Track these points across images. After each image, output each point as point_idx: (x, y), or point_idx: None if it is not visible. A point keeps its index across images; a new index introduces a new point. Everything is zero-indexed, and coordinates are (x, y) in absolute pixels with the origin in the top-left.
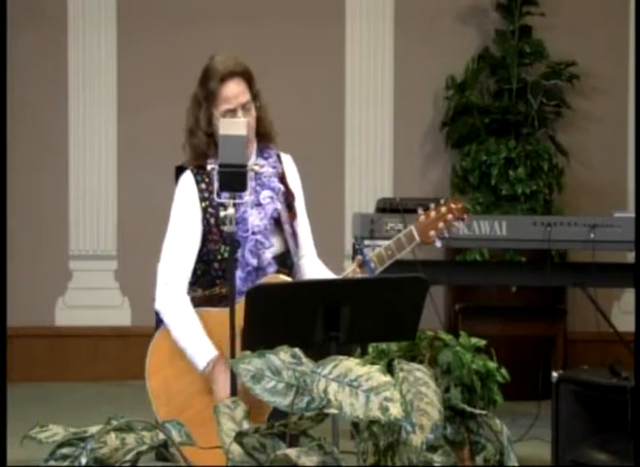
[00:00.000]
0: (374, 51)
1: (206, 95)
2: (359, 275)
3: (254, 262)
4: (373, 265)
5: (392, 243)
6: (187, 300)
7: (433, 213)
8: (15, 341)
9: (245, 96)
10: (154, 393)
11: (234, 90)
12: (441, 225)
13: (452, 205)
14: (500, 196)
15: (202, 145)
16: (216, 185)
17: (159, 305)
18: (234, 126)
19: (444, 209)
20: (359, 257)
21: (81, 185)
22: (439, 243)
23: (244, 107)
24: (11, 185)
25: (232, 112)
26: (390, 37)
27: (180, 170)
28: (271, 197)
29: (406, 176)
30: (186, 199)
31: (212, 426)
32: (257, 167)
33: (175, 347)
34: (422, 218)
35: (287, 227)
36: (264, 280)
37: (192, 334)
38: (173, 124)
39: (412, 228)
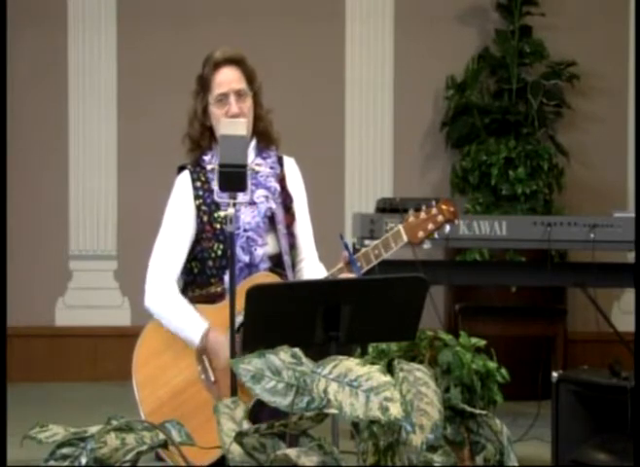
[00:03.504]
0: (374, 51)
1: (202, 83)
2: (344, 275)
3: (246, 258)
4: (359, 264)
5: (379, 243)
6: (175, 289)
7: (423, 214)
8: (15, 340)
9: (240, 84)
10: (140, 385)
11: (228, 76)
12: (430, 226)
13: (443, 207)
14: (500, 196)
15: (197, 135)
16: (215, 185)
17: (147, 301)
18: (234, 127)
19: (434, 210)
20: (344, 253)
21: (81, 185)
22: (428, 245)
23: (238, 93)
24: (11, 185)
25: (225, 96)
26: (390, 37)
27: (181, 170)
28: (266, 197)
29: (406, 176)
30: (180, 198)
31: (199, 415)
32: (256, 167)
33: (162, 341)
34: (411, 218)
35: (281, 227)
36: (252, 278)
37: (181, 315)
38: (173, 124)
39: (400, 227)
